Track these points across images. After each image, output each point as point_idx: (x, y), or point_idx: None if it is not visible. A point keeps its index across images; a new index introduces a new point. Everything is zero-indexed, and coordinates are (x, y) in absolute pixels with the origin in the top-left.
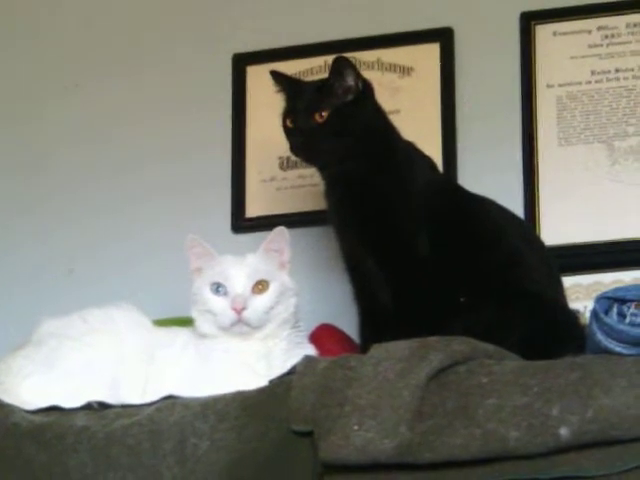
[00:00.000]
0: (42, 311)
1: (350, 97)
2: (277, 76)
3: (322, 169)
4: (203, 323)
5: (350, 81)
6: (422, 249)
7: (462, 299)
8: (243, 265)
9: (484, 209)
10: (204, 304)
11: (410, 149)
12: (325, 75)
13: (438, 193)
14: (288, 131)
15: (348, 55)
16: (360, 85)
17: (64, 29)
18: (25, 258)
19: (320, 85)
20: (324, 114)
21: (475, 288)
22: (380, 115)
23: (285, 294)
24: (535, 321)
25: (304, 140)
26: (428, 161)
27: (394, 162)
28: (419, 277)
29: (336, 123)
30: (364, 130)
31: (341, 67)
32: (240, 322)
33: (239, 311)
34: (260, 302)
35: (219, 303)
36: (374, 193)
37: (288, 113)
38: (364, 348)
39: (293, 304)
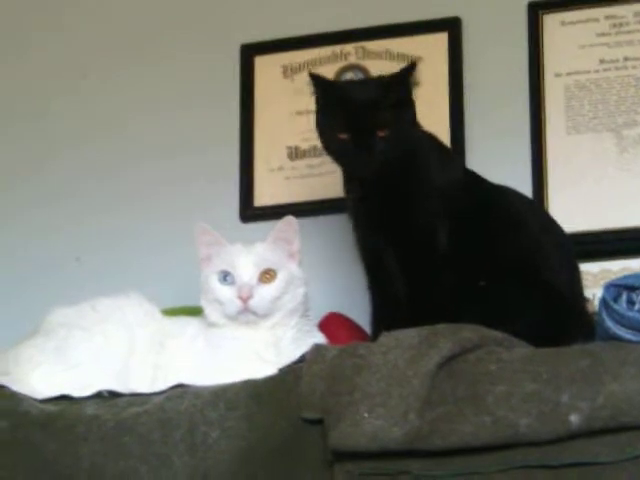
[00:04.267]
0: (49, 300)
1: (407, 103)
2: (318, 80)
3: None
4: (212, 312)
5: (410, 89)
6: (442, 241)
7: (482, 283)
8: (251, 254)
9: (504, 198)
10: (212, 293)
11: (432, 142)
12: (335, 65)
13: (459, 186)
14: (341, 145)
15: (356, 45)
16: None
17: (70, 23)
18: (33, 247)
19: (379, 95)
20: (387, 131)
21: (491, 277)
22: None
23: (293, 283)
24: (546, 309)
25: (370, 159)
26: (449, 153)
27: (418, 157)
28: (437, 268)
29: (398, 136)
30: (415, 134)
31: (409, 78)
32: (246, 311)
33: (245, 300)
34: (267, 291)
35: (226, 292)
36: (397, 189)
37: (343, 128)
38: (375, 337)
39: (301, 294)
